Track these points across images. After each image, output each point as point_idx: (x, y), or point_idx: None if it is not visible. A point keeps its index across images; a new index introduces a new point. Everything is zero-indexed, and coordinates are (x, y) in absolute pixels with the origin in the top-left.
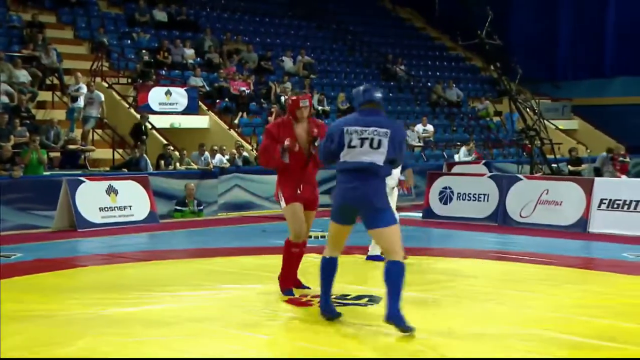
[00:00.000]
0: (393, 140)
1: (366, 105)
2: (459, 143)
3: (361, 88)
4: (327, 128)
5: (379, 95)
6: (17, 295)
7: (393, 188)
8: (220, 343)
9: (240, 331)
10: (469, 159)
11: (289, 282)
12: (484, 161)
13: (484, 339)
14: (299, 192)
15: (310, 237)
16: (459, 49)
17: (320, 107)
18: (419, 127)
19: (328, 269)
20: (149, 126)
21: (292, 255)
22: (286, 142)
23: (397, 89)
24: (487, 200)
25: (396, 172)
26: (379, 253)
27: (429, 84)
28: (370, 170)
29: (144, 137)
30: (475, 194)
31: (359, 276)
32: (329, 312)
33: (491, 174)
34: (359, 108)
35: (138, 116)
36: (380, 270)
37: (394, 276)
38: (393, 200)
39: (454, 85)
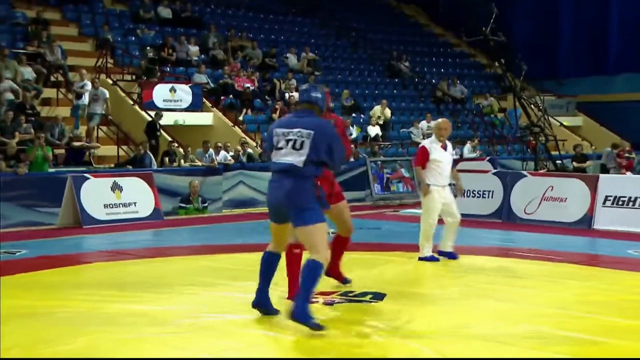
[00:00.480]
0: (317, 141)
1: (302, 105)
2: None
3: (303, 87)
4: (339, 120)
5: (316, 95)
6: (20, 292)
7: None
8: (222, 340)
9: (243, 329)
10: (473, 155)
11: (295, 291)
12: (488, 158)
13: (486, 336)
14: None
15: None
16: (463, 46)
17: None
18: (424, 124)
19: (267, 263)
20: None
21: (293, 258)
22: None
23: (401, 86)
24: (492, 197)
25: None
26: (451, 249)
27: (434, 80)
28: (291, 172)
29: (158, 134)
30: (480, 191)
31: (363, 273)
32: (264, 306)
33: (496, 170)
34: (297, 108)
35: (145, 114)
36: (388, 267)
37: (309, 274)
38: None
39: (459, 81)
